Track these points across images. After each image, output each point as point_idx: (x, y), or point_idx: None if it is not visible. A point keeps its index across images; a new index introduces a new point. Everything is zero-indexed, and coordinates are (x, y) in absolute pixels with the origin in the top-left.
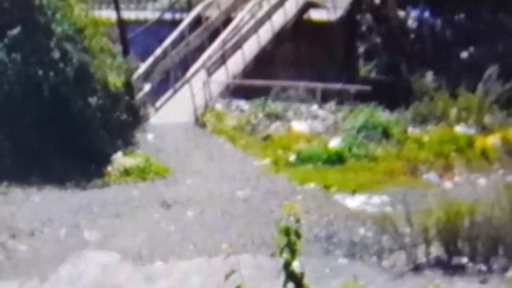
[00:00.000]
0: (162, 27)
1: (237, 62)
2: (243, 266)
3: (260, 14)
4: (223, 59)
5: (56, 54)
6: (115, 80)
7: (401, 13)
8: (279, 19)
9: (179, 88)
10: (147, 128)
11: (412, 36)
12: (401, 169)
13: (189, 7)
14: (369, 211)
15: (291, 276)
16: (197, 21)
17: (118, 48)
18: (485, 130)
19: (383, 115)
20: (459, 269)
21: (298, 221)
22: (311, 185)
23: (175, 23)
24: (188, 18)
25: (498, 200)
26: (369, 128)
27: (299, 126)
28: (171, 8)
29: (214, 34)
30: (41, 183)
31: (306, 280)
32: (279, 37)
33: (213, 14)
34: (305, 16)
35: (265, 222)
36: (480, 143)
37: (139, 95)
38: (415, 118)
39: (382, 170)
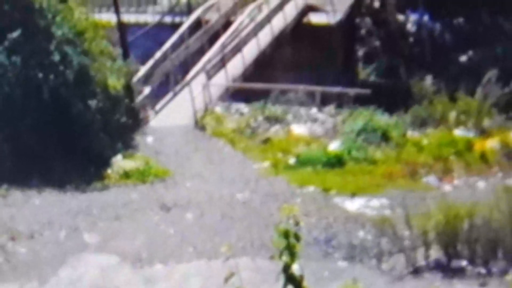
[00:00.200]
0: (162, 30)
1: (236, 65)
2: (242, 269)
3: (259, 17)
4: (222, 62)
5: (56, 57)
6: (115, 83)
7: (401, 17)
8: (278, 23)
9: (179, 91)
10: (147, 131)
11: (411, 39)
12: (400, 172)
13: (189, 11)
14: (368, 214)
15: (291, 279)
16: (197, 25)
17: (118, 51)
18: (484, 133)
19: (382, 119)
20: (459, 272)
21: (297, 224)
22: (311, 188)
23: (175, 26)
24: (188, 21)
25: (497, 203)
26: (368, 131)
27: (299, 129)
28: (171, 11)
29: (214, 38)
30: (41, 185)
31: (305, 283)
32: (279, 41)
33: (213, 17)
34: (305, 20)
35: (264, 225)
36: (479, 146)
37: (139, 98)
38: (414, 121)
39: (382, 173)
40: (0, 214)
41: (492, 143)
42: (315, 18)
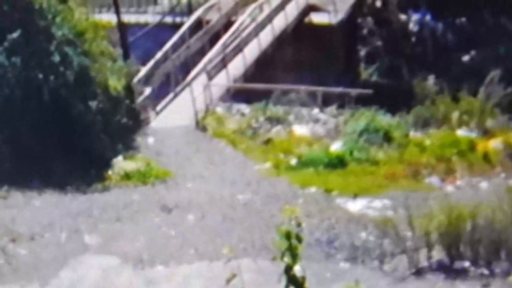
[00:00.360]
0: (163, 30)
1: (237, 66)
2: (244, 270)
3: (260, 17)
4: (223, 63)
5: (56, 58)
6: (115, 84)
7: (403, 17)
8: (280, 23)
9: (180, 91)
10: (148, 132)
11: (414, 39)
12: (403, 173)
13: (190, 11)
14: (370, 215)
15: (292, 280)
16: (198, 25)
17: (118, 51)
18: (486, 133)
19: (384, 119)
20: (461, 273)
21: (299, 225)
22: (312, 189)
23: (175, 27)
24: (189, 21)
25: (500, 204)
26: (370, 132)
27: (300, 129)
28: (172, 11)
29: (214, 38)
30: (42, 187)
31: (307, 284)
32: (280, 41)
33: (214, 17)
34: (306, 20)
35: (266, 226)
36: (482, 146)
37: (140, 99)
38: (417, 121)
39: (384, 174)
40: (0, 215)
41: (495, 144)
42: (316, 18)
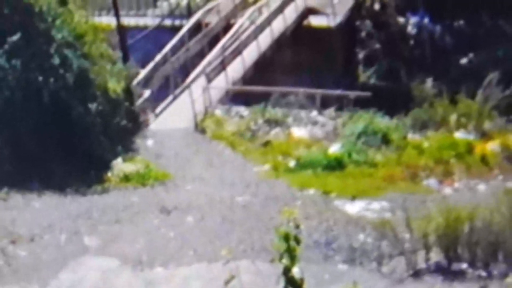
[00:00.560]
0: (162, 33)
1: (237, 68)
2: (242, 272)
3: (259, 20)
4: (223, 65)
5: (56, 60)
6: (115, 86)
7: (401, 20)
8: (278, 25)
9: (179, 94)
10: (147, 134)
11: (412, 42)
12: (401, 175)
13: (189, 14)
14: (368, 217)
15: (291, 282)
16: (197, 27)
17: (118, 54)
18: (484, 136)
19: (382, 121)
20: (459, 275)
21: (297, 227)
22: (311, 191)
23: (175, 29)
24: (188, 24)
25: (498, 206)
26: (368, 134)
27: (299, 132)
28: (171, 14)
29: (214, 40)
30: (41, 188)
31: (305, 286)
32: (279, 43)
33: (213, 20)
34: (305, 22)
35: (264, 228)
36: (479, 149)
37: (139, 101)
38: (415, 124)
39: (382, 176)
40: (0, 217)
41: (493, 146)
42: (315, 21)
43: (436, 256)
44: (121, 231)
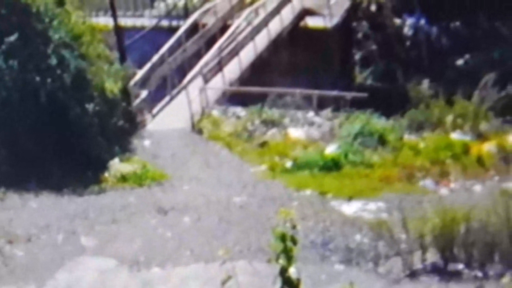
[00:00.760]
0: (159, 34)
1: (233, 69)
2: (239, 272)
3: (256, 21)
4: (219, 66)
5: (53, 61)
6: (112, 87)
7: (397, 21)
8: (275, 26)
9: (176, 94)
10: (144, 135)
11: (408, 43)
12: (397, 175)
13: (186, 14)
14: (365, 217)
15: (288, 282)
16: (194, 28)
17: (115, 54)
18: (480, 137)
19: (379, 122)
20: (455, 275)
21: (294, 227)
22: (308, 191)
23: (172, 30)
24: (185, 25)
25: (494, 207)
26: (365, 135)
27: (296, 132)
28: (168, 15)
29: (211, 41)
30: (38, 189)
31: (302, 286)
32: (276, 44)
33: (210, 21)
34: (302, 23)
35: (261, 228)
36: (476, 150)
37: (136, 102)
38: (411, 125)
39: (378, 176)
40: None
41: (489, 147)
42: (311, 22)
43: (432, 256)
44: (118, 231)
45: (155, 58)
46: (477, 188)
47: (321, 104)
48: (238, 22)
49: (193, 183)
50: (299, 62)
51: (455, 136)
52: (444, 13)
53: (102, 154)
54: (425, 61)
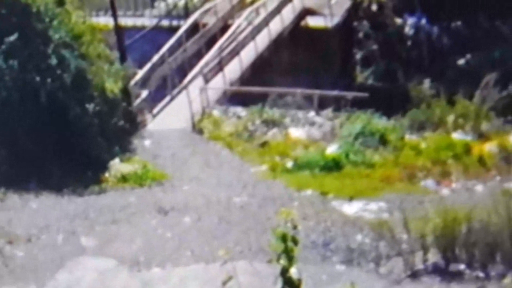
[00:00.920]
0: (160, 33)
1: (234, 69)
2: (240, 272)
3: (257, 21)
4: (220, 66)
5: (54, 61)
6: (112, 87)
7: (398, 20)
8: (276, 26)
9: (176, 94)
10: (145, 135)
11: (409, 43)
12: (398, 175)
13: (186, 14)
14: (366, 217)
15: (288, 282)
16: (194, 28)
17: (115, 54)
18: (482, 137)
19: (380, 122)
20: (457, 276)
21: (295, 227)
22: (308, 191)
23: (172, 30)
24: (186, 25)
25: (495, 207)
26: (366, 135)
27: (296, 132)
28: (168, 15)
29: (211, 41)
30: (38, 189)
31: (303, 287)
32: (276, 44)
33: (210, 21)
34: (302, 23)
35: (262, 229)
36: (477, 150)
37: (137, 102)
38: (412, 125)
39: (379, 176)
40: None
41: (490, 147)
42: (312, 22)
43: (433, 257)
44: (118, 231)
45: (155, 58)
46: (479, 188)
47: (322, 104)
48: (238, 22)
49: (194, 183)
50: (300, 62)
51: (456, 136)
52: (445, 13)
53: (102, 154)
54: (426, 61)
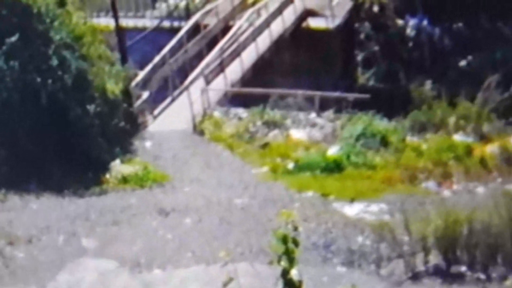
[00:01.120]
0: (161, 35)
1: (235, 70)
2: (240, 274)
3: (258, 22)
4: (221, 67)
5: (54, 62)
6: (113, 88)
7: (400, 22)
8: (277, 27)
9: (177, 95)
10: (145, 136)
11: (411, 44)
12: (400, 177)
13: (188, 15)
14: (367, 219)
15: (289, 284)
16: (196, 29)
17: (116, 55)
18: (483, 138)
19: (381, 123)
20: (458, 278)
21: (296, 229)
22: (309, 193)
23: (173, 31)
24: (187, 26)
25: (497, 209)
26: (367, 136)
27: (298, 134)
28: (170, 16)
29: (212, 42)
30: (39, 190)
31: None
32: (278, 45)
33: (212, 22)
34: (304, 24)
35: (263, 230)
36: (478, 151)
37: (138, 103)
38: (414, 126)
39: (381, 178)
40: None
41: (491, 148)
42: (314, 23)
43: (434, 258)
44: (119, 232)
45: (156, 59)
46: (480, 189)
47: (323, 105)
48: (239, 23)
49: (195, 184)
50: (301, 63)
51: (457, 137)
52: (447, 14)
53: (103, 155)
54: (428, 62)
